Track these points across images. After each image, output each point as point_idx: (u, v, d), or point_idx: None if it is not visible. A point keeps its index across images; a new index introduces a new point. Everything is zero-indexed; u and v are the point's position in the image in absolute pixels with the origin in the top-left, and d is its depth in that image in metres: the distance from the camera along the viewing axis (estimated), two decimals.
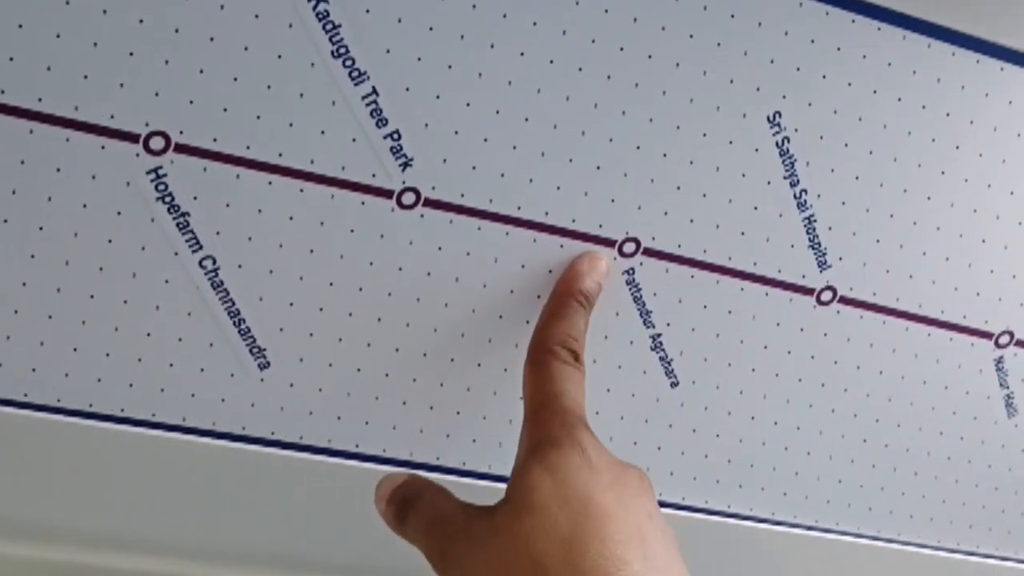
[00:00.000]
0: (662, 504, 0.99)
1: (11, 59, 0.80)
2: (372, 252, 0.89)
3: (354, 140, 0.86)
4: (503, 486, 0.81)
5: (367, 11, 0.84)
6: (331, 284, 0.90)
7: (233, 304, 0.90)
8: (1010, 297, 1.03)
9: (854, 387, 1.03)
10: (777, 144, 0.93)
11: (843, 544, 1.08)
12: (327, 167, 0.87)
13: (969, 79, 0.95)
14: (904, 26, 0.93)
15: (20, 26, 0.79)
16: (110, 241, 0.86)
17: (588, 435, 0.79)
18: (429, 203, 0.89)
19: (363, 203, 0.88)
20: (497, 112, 0.87)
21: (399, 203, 0.89)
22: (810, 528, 1.08)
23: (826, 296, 0.99)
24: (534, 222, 0.91)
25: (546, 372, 0.84)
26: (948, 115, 0.96)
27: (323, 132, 0.86)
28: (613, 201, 0.91)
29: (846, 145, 0.95)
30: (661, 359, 0.98)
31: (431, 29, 0.85)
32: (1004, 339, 1.04)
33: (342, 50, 0.84)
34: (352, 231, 0.89)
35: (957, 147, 0.97)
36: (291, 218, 0.88)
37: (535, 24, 0.86)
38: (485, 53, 0.86)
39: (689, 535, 1.01)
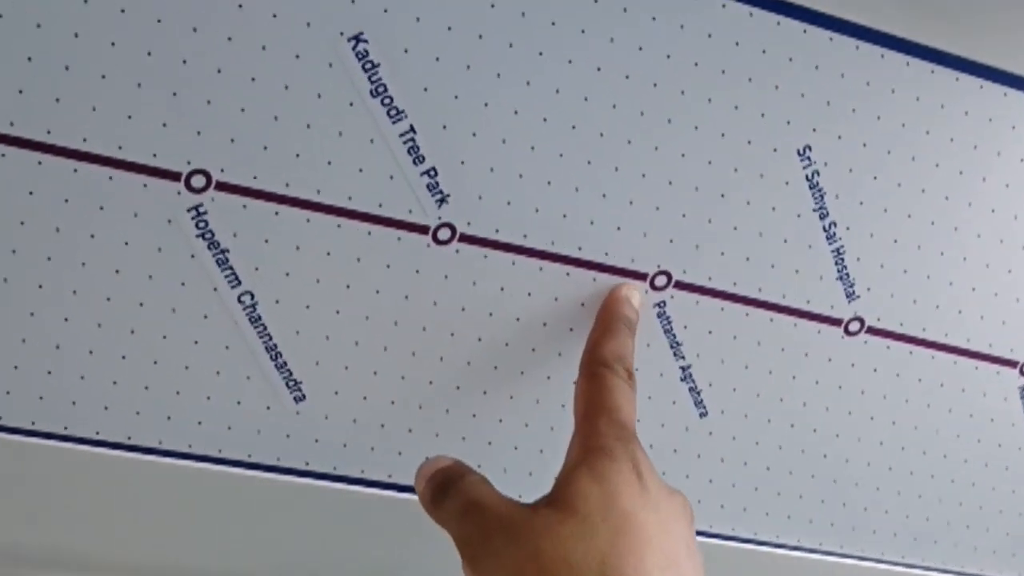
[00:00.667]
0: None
1: (57, 100, 0.81)
2: (407, 287, 0.90)
3: (391, 177, 0.87)
4: None
5: (405, 50, 0.85)
6: (367, 318, 0.91)
7: (270, 338, 0.91)
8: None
9: (881, 416, 1.04)
10: (807, 177, 0.94)
11: (845, 567, 1.10)
12: (364, 204, 0.88)
13: (996, 111, 0.97)
14: (932, 60, 0.94)
15: (67, 68, 0.80)
16: (151, 277, 0.87)
17: (641, 452, 0.80)
18: (464, 238, 0.90)
19: (399, 239, 0.89)
20: (532, 148, 0.88)
21: (435, 239, 0.90)
22: (830, 554, 1.09)
23: (854, 327, 1.00)
24: (568, 256, 0.92)
25: (602, 385, 0.84)
26: (975, 147, 0.97)
27: (361, 169, 0.87)
28: (645, 235, 0.92)
29: (875, 178, 0.96)
30: (691, 390, 0.99)
31: (468, 68, 0.86)
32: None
33: (380, 88, 0.85)
34: (388, 266, 0.90)
35: (984, 179, 0.98)
36: (328, 253, 0.89)
37: (570, 62, 0.87)
38: (521, 90, 0.87)
39: (717, 563, 1.02)
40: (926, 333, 1.02)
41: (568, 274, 0.92)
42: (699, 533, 1.03)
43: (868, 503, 1.07)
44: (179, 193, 0.86)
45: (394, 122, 0.86)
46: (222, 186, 0.86)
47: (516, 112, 0.87)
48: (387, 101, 0.86)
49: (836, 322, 1.00)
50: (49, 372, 0.88)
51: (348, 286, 0.90)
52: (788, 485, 1.04)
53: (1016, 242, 1.01)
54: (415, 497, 0.93)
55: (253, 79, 0.84)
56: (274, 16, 0.83)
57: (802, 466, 1.04)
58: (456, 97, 0.86)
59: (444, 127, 0.87)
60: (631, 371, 0.87)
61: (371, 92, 0.85)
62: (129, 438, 0.92)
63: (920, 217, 0.98)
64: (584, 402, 0.85)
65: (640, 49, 0.88)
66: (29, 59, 0.80)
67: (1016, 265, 1.01)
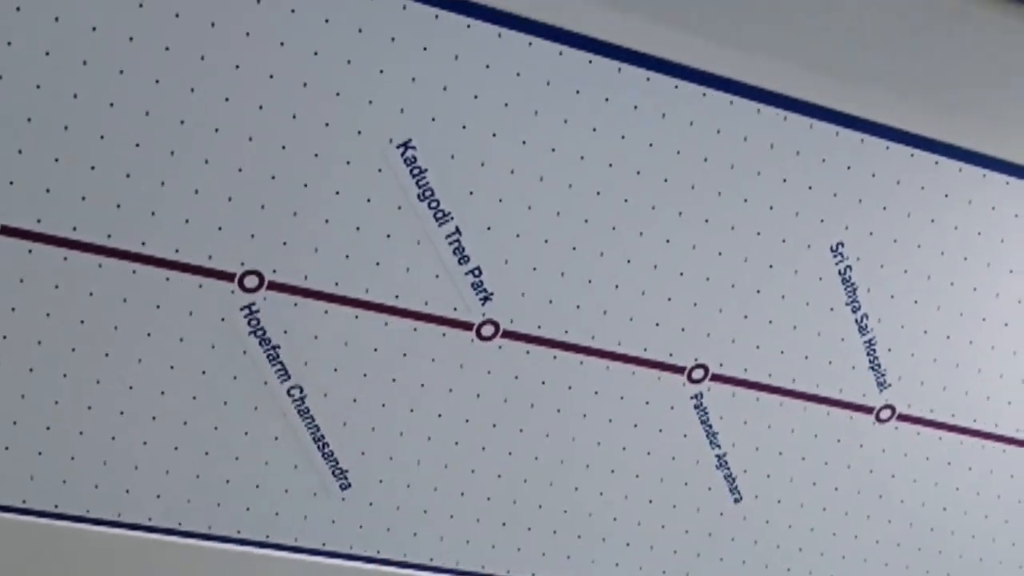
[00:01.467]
0: None
1: (118, 206, 0.84)
2: (452, 380, 0.93)
3: (437, 276, 0.90)
4: None
5: (452, 156, 0.88)
6: (411, 411, 0.94)
7: (318, 430, 0.94)
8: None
9: (910, 499, 1.06)
10: (840, 272, 0.96)
11: None
12: (411, 302, 0.91)
13: (1022, 207, 0.99)
14: (960, 159, 0.97)
15: (127, 175, 0.84)
16: (204, 372, 0.90)
17: None
18: (507, 334, 0.93)
19: (444, 335, 0.92)
20: (573, 248, 0.91)
21: (479, 335, 0.93)
22: None
23: (885, 414, 1.03)
24: (607, 351, 0.94)
25: None
26: (1002, 241, 1.00)
27: (408, 269, 0.90)
28: (683, 330, 0.95)
29: (905, 272, 0.98)
30: (726, 476, 1.01)
31: (512, 172, 0.89)
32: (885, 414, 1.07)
33: (428, 192, 0.88)
34: (433, 361, 0.93)
35: (1011, 271, 1.01)
36: (375, 349, 0.91)
37: (611, 165, 0.90)
38: (563, 193, 0.90)
39: None
40: (955, 419, 1.05)
41: (608, 368, 0.95)
42: None
43: None
44: (232, 292, 0.88)
45: (440, 224, 0.89)
46: (274, 285, 0.89)
47: (558, 214, 0.90)
48: (434, 204, 0.89)
49: (868, 410, 1.02)
50: (104, 463, 0.91)
51: (394, 380, 0.93)
52: (820, 566, 1.07)
53: None
54: None
55: (305, 185, 0.87)
56: (326, 125, 0.86)
57: (833, 548, 1.06)
58: (500, 200, 0.89)
59: (488, 228, 0.90)
60: None
61: (418, 196, 0.88)
62: (180, 524, 0.95)
63: (949, 308, 1.01)
64: None
65: (678, 153, 0.91)
66: (92, 168, 0.84)
67: None
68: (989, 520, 1.09)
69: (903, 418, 1.04)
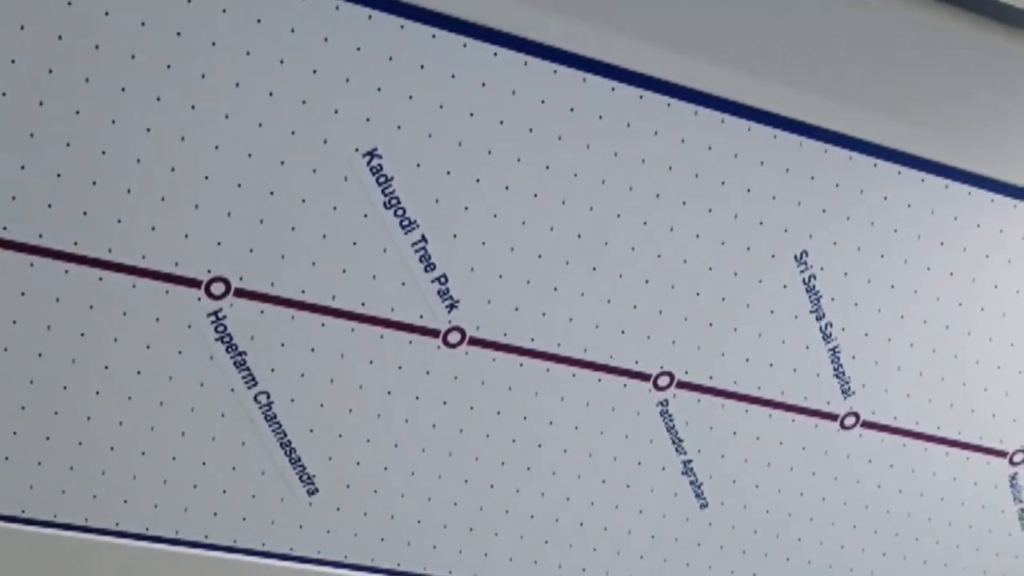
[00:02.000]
0: None
1: (84, 213, 0.85)
2: (418, 387, 0.94)
3: (403, 284, 0.91)
4: None
5: (418, 165, 0.88)
6: (378, 416, 0.95)
7: (285, 435, 0.94)
8: None
9: (875, 504, 1.07)
10: (804, 281, 0.97)
11: None
12: (377, 309, 0.91)
13: (984, 217, 1.01)
14: (923, 169, 0.98)
15: (94, 183, 0.84)
16: (171, 378, 0.91)
17: None
18: (474, 341, 0.93)
19: (410, 342, 0.92)
20: (539, 256, 0.92)
21: (445, 342, 0.93)
22: None
23: (849, 421, 1.04)
24: (573, 358, 0.95)
25: None
26: (965, 250, 1.01)
27: (374, 277, 0.90)
28: (648, 338, 0.95)
29: (869, 281, 0.99)
30: (691, 483, 1.02)
31: (477, 181, 0.89)
32: (1018, 457, 1.09)
33: (394, 200, 0.89)
34: (400, 367, 0.93)
35: (973, 280, 1.02)
36: (342, 356, 0.92)
37: (576, 175, 0.90)
38: (528, 201, 0.90)
39: None
40: (919, 426, 1.06)
41: (574, 375, 0.95)
42: None
43: None
44: (199, 299, 0.89)
45: (406, 232, 0.90)
46: (241, 292, 0.89)
47: (524, 222, 0.91)
48: (400, 212, 0.89)
49: (832, 417, 1.03)
50: (71, 468, 0.92)
51: (361, 386, 0.93)
52: (786, 571, 1.08)
53: (1004, 339, 1.05)
54: None
55: (272, 192, 0.87)
56: (293, 133, 0.87)
57: (799, 554, 1.07)
58: (466, 208, 0.90)
59: (455, 236, 0.91)
60: None
61: (384, 204, 0.89)
62: (147, 529, 0.96)
63: (912, 317, 1.02)
64: None
65: (643, 162, 0.91)
66: (58, 175, 0.84)
67: (1004, 361, 1.05)
68: (953, 527, 1.10)
69: (867, 425, 1.05)
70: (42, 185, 0.84)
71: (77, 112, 0.83)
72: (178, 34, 0.84)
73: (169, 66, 0.84)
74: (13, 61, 0.81)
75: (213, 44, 0.84)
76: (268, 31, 0.85)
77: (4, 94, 0.82)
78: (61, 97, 0.83)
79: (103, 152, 0.84)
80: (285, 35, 0.85)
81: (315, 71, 0.86)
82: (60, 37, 0.82)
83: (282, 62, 0.85)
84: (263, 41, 0.85)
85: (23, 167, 0.83)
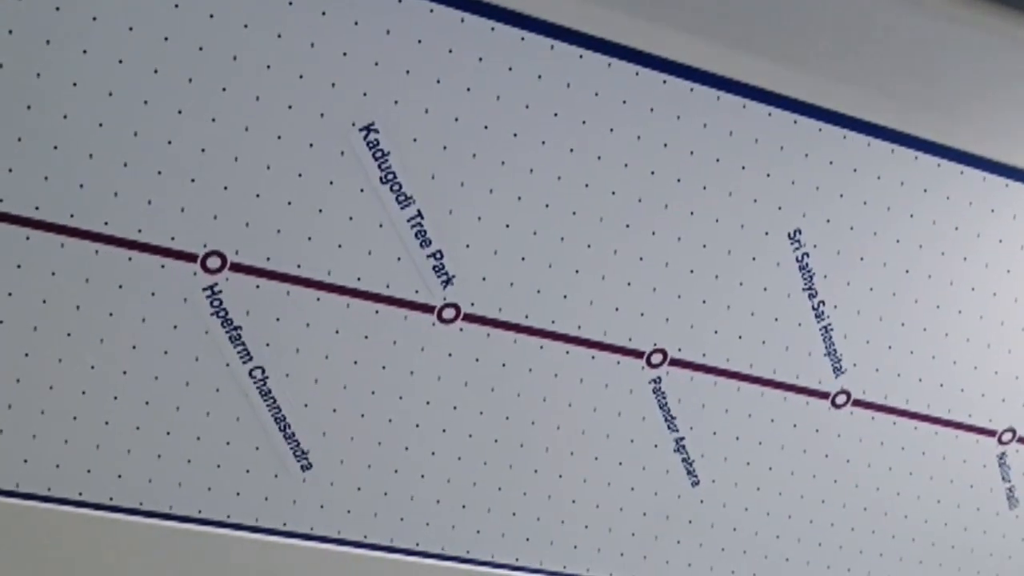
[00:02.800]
0: None
1: (80, 186, 0.84)
2: (413, 363, 0.94)
3: (399, 259, 0.91)
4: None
5: (414, 140, 0.88)
6: (373, 392, 0.95)
7: (280, 411, 0.94)
8: (1013, 397, 1.08)
9: (865, 483, 1.08)
10: (797, 259, 0.98)
11: None
12: (373, 284, 0.91)
13: (977, 196, 1.01)
14: (916, 147, 0.98)
15: (90, 156, 0.84)
16: (166, 352, 0.91)
17: None
18: (468, 317, 0.94)
19: (406, 318, 0.93)
20: (534, 233, 0.92)
21: (440, 318, 0.93)
22: None
23: (840, 399, 1.04)
24: (567, 335, 0.95)
25: None
26: (956, 229, 1.02)
27: (370, 252, 0.90)
28: (642, 315, 0.95)
29: (861, 259, 1.00)
30: (683, 460, 1.03)
31: (474, 156, 0.90)
32: (1007, 436, 1.09)
33: (390, 175, 0.89)
34: (395, 343, 0.93)
35: (965, 259, 1.03)
36: (337, 331, 0.92)
37: (572, 151, 0.91)
38: (524, 177, 0.91)
39: None
40: (909, 405, 1.06)
41: (568, 352, 0.96)
42: None
43: (851, 564, 1.11)
44: (195, 274, 0.89)
45: (402, 207, 0.90)
46: (237, 267, 0.89)
47: (519, 198, 0.91)
48: (396, 187, 0.89)
49: (824, 395, 1.04)
50: (66, 441, 0.92)
51: (356, 362, 0.93)
52: (775, 548, 1.08)
53: (995, 319, 1.05)
54: (415, 560, 0.97)
55: (268, 167, 0.87)
56: (289, 107, 0.87)
57: (789, 531, 1.08)
58: (462, 184, 0.90)
59: (450, 212, 0.91)
60: None
61: (380, 179, 0.89)
62: (141, 504, 0.95)
63: (904, 296, 1.02)
64: None
65: (638, 138, 0.92)
66: (55, 147, 0.84)
67: (995, 340, 1.06)
68: (942, 505, 1.11)
69: (858, 403, 1.06)
70: (39, 159, 0.84)
71: (74, 84, 0.83)
72: (176, 6, 0.83)
73: (167, 38, 0.84)
74: (11, 31, 0.81)
75: (211, 16, 0.84)
76: (266, 5, 0.85)
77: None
78: (57, 69, 0.82)
79: (100, 125, 0.84)
80: (283, 9, 0.85)
81: (312, 45, 0.86)
82: (57, 8, 0.82)
83: (280, 36, 0.85)
84: (261, 15, 0.85)
85: (20, 139, 0.83)
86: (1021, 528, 1.14)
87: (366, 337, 0.92)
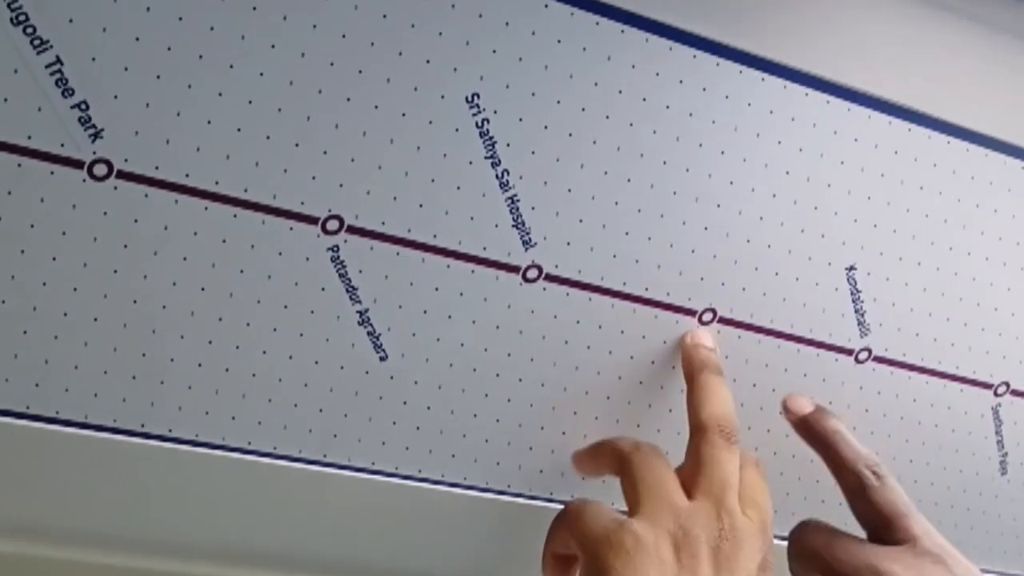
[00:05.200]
0: (372, 472, 1.02)
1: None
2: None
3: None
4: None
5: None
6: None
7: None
8: (711, 277, 1.06)
9: (562, 361, 1.04)
10: (477, 125, 0.96)
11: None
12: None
13: (663, 66, 0.97)
14: (597, 12, 0.96)
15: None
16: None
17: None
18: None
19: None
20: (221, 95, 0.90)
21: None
22: (506, 493, 1.10)
23: (532, 274, 1.02)
24: (229, 196, 0.94)
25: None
26: (644, 100, 0.98)
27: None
28: (314, 179, 0.94)
29: (545, 127, 0.97)
30: (369, 334, 1.00)
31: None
32: (707, 316, 1.08)
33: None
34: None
35: (655, 131, 0.98)
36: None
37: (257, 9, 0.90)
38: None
39: (398, 503, 1.05)
40: (604, 281, 1.01)
41: (235, 216, 0.94)
42: (381, 473, 1.05)
43: (556, 446, 1.09)
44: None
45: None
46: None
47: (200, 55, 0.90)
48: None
49: (514, 269, 1.01)
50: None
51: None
52: (473, 428, 1.05)
53: (689, 193, 1.02)
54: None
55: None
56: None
57: (485, 410, 1.05)
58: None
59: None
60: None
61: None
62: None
63: (593, 168, 0.99)
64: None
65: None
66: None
67: (690, 216, 1.02)
68: (623, 381, 1.08)
69: (551, 278, 0.99)
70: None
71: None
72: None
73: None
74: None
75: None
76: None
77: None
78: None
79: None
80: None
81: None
82: None
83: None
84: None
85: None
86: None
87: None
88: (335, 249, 0.98)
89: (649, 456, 0.98)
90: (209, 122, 0.91)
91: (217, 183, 0.93)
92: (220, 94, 0.91)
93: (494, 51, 0.95)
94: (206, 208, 0.93)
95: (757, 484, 1.00)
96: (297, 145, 0.94)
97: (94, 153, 0.90)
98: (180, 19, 0.89)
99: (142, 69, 0.89)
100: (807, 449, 1.09)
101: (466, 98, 0.96)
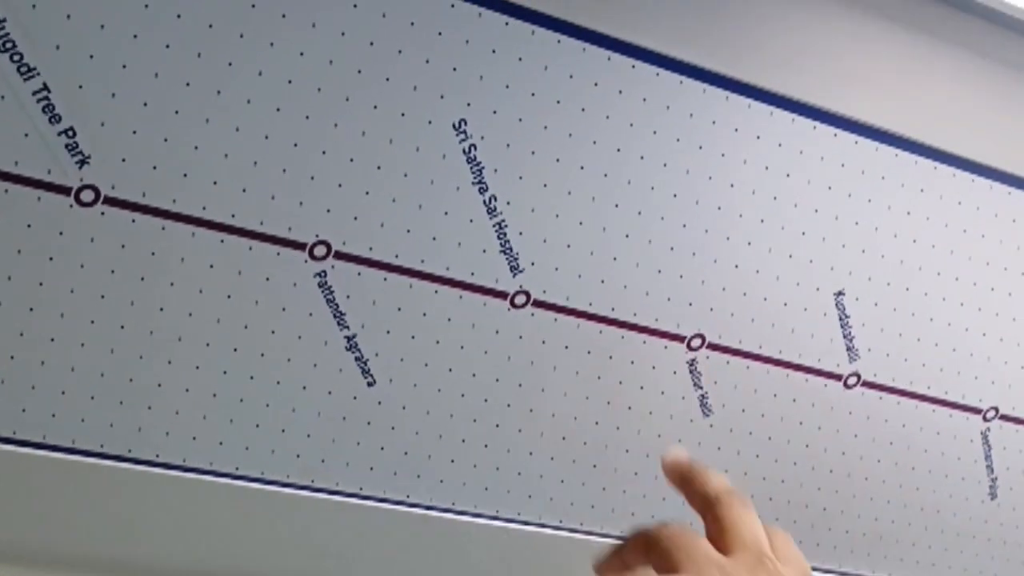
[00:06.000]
0: (361, 497, 1.02)
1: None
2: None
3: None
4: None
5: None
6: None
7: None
8: (699, 302, 1.06)
9: (551, 387, 1.05)
10: (464, 151, 0.96)
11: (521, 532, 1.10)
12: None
13: (649, 91, 0.99)
14: (584, 39, 0.96)
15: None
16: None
17: None
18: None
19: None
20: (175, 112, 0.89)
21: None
22: (510, 521, 1.10)
23: (520, 299, 1.02)
24: (222, 224, 0.93)
25: None
26: (632, 126, 0.98)
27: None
28: (301, 204, 0.94)
29: (533, 153, 0.98)
30: (357, 359, 1.00)
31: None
32: (696, 342, 1.08)
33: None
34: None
35: (642, 157, 0.99)
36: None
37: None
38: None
39: (391, 528, 1.05)
40: (592, 307, 1.01)
41: (223, 241, 0.94)
42: (370, 498, 1.04)
43: (543, 471, 1.09)
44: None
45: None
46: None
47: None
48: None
49: (502, 295, 1.01)
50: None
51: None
52: (461, 453, 1.06)
53: (677, 219, 1.03)
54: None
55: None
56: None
57: (473, 436, 1.05)
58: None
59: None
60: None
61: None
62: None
63: (580, 193, 0.99)
64: None
65: (283, 16, 0.89)
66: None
67: (678, 242, 1.02)
68: (634, 412, 1.10)
69: (538, 304, 1.00)
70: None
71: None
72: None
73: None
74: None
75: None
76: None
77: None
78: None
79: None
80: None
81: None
82: None
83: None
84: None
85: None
86: (717, 437, 1.13)
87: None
88: (323, 275, 0.98)
89: (674, 528, 0.96)
90: (196, 148, 0.91)
91: (204, 208, 0.93)
92: (207, 121, 0.91)
93: (481, 77, 0.96)
94: (193, 234, 0.93)
95: (784, 539, 0.97)
96: (284, 171, 0.94)
97: (81, 179, 0.90)
98: (167, 47, 0.89)
99: (129, 96, 0.89)
100: (796, 472, 1.09)
101: (453, 124, 0.96)
